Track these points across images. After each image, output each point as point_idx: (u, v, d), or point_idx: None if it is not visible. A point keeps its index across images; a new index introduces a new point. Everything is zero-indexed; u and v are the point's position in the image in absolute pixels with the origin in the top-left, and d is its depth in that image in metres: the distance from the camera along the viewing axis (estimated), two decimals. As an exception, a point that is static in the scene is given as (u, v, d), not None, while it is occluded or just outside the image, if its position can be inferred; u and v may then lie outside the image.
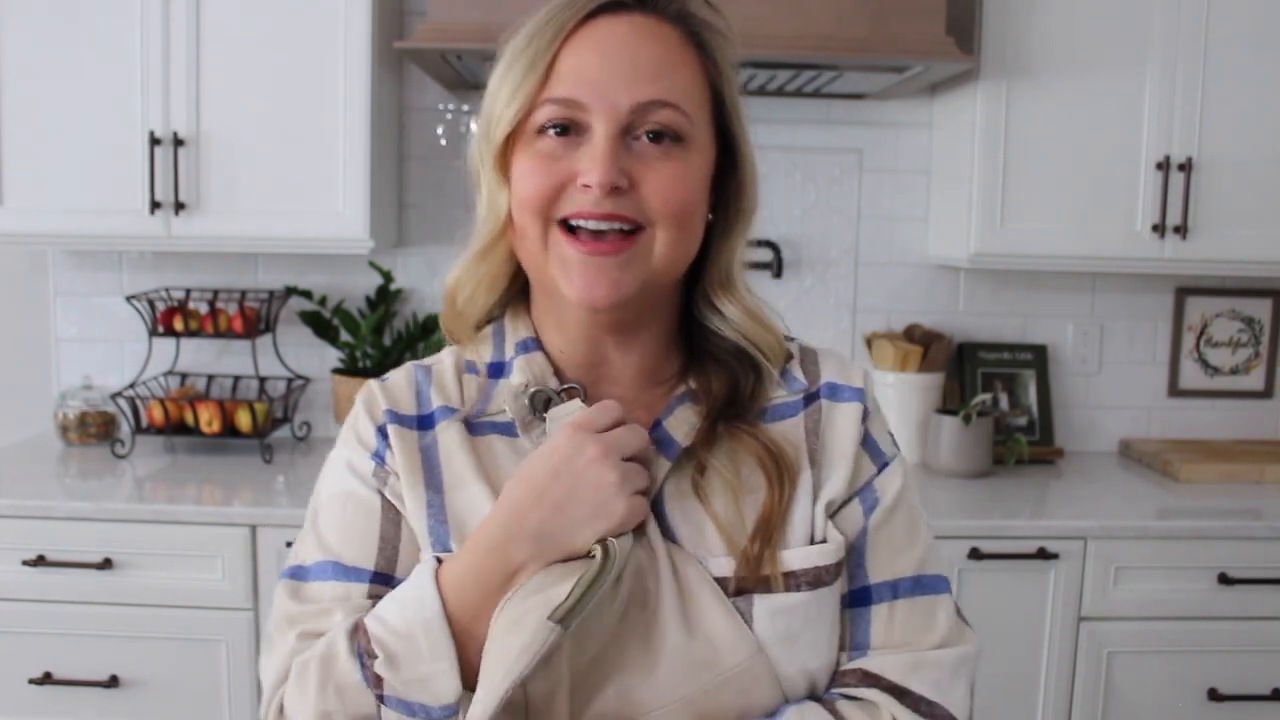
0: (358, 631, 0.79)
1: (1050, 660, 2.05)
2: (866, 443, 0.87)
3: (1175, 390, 2.64)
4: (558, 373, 0.87)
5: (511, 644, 0.73)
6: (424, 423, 0.87)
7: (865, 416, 0.88)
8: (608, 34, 0.80)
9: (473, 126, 0.92)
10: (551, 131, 0.80)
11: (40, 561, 1.96)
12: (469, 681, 0.76)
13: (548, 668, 0.75)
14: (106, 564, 1.96)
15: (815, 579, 0.81)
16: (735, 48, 0.85)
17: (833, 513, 0.84)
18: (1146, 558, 2.04)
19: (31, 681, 1.99)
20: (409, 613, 0.77)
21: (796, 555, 0.81)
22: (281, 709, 0.81)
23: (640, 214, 0.79)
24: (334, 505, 0.86)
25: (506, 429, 0.86)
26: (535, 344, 0.88)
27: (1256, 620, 2.06)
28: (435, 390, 0.89)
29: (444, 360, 0.92)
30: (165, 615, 1.98)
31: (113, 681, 1.99)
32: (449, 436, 0.85)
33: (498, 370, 0.88)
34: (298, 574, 0.86)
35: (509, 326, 0.90)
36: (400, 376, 0.91)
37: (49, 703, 2.00)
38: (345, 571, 0.84)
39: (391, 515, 0.85)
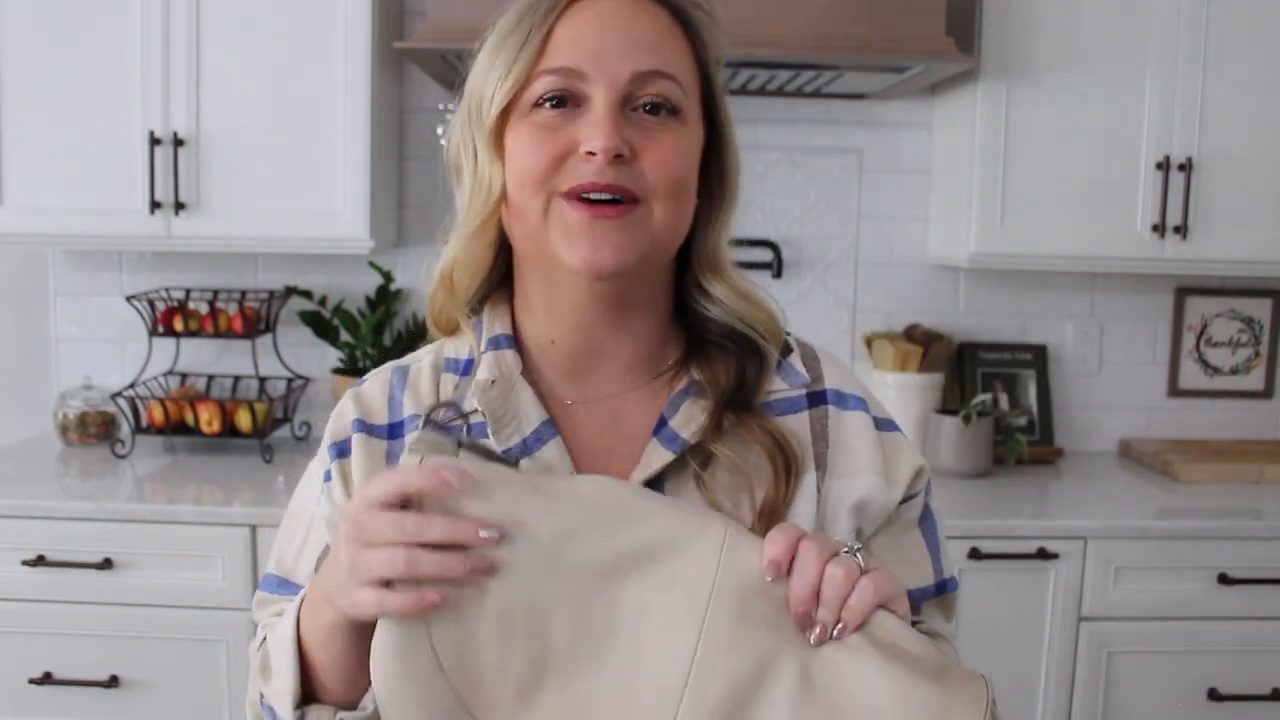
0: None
1: (1050, 660, 2.05)
2: (892, 457, 0.88)
3: (1175, 390, 2.64)
4: (539, 370, 0.86)
5: None
6: (394, 431, 0.86)
7: (878, 424, 0.88)
8: (601, 9, 0.80)
9: (442, 132, 0.90)
10: (548, 104, 0.79)
11: (40, 561, 1.96)
12: (310, 697, 0.79)
13: None
14: (106, 564, 1.96)
15: None
16: (720, 31, 0.85)
17: (872, 525, 0.85)
18: (1146, 558, 2.04)
19: (31, 681, 1.99)
20: (280, 627, 0.80)
21: None
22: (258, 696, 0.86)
23: (639, 186, 0.78)
24: (291, 523, 0.91)
25: (478, 431, 0.83)
26: (508, 340, 0.86)
27: (1256, 620, 2.06)
28: (409, 395, 0.87)
29: (422, 359, 0.90)
30: (165, 615, 1.98)
31: (113, 681, 1.99)
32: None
33: (471, 368, 0.87)
34: (265, 582, 0.92)
35: (486, 320, 0.88)
36: (375, 384, 0.89)
37: (49, 703, 2.00)
38: (288, 587, 0.89)
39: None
